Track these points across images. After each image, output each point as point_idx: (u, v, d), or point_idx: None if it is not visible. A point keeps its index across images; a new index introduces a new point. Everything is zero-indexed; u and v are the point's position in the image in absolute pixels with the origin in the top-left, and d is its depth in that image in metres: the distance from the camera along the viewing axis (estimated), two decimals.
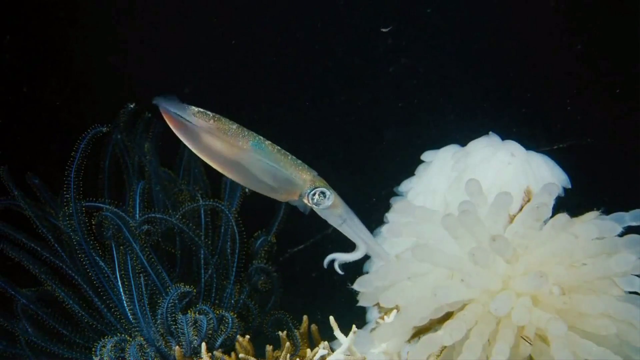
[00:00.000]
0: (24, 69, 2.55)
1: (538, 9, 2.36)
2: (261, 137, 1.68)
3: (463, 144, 2.03)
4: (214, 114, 1.68)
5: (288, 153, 1.69)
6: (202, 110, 1.68)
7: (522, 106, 2.41)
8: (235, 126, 1.67)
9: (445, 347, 1.63)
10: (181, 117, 1.66)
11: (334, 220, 1.70)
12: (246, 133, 1.67)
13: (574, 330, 1.52)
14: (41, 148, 2.47)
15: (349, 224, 1.69)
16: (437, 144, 2.10)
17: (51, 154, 2.33)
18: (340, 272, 1.71)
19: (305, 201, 1.68)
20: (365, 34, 2.46)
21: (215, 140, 1.67)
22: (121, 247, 2.03)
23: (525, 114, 2.38)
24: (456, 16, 2.39)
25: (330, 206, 1.68)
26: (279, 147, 1.69)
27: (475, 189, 1.68)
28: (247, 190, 2.18)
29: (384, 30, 2.39)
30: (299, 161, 1.69)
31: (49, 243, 2.08)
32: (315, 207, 1.69)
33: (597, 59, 2.37)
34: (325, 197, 1.67)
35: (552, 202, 1.65)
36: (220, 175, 2.19)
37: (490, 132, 2.00)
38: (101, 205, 2.03)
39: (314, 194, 1.67)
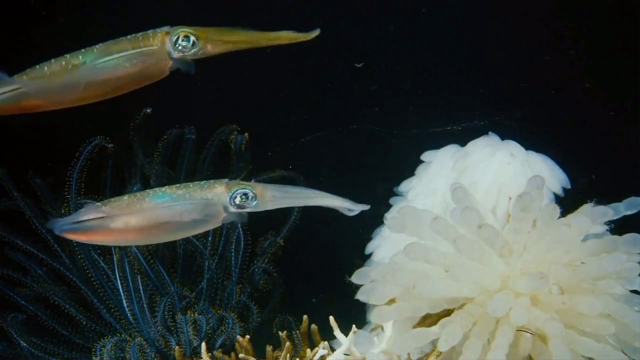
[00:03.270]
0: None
1: (537, 9, 2.35)
2: (155, 188, 1.61)
3: (463, 144, 2.03)
4: (102, 201, 1.61)
5: (188, 183, 1.61)
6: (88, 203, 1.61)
7: (522, 106, 2.41)
8: (126, 197, 1.60)
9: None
10: (78, 224, 1.58)
11: (277, 204, 1.61)
12: (139, 195, 1.60)
13: (574, 330, 1.52)
14: (41, 147, 2.47)
15: (291, 197, 1.61)
16: (437, 144, 2.10)
17: (52, 153, 2.33)
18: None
19: (234, 210, 1.59)
20: (365, 34, 2.45)
21: (119, 222, 1.58)
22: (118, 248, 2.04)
23: (525, 114, 2.38)
24: (453, 15, 2.39)
25: (260, 198, 1.59)
26: (176, 185, 1.61)
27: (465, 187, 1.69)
28: None
29: (357, 65, 2.40)
30: (203, 182, 1.61)
31: (49, 244, 2.09)
32: (248, 210, 1.60)
33: (598, 59, 2.36)
34: (247, 196, 1.58)
35: (532, 188, 1.63)
36: (227, 173, 2.20)
37: (489, 132, 2.00)
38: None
39: (235, 199, 1.58)
